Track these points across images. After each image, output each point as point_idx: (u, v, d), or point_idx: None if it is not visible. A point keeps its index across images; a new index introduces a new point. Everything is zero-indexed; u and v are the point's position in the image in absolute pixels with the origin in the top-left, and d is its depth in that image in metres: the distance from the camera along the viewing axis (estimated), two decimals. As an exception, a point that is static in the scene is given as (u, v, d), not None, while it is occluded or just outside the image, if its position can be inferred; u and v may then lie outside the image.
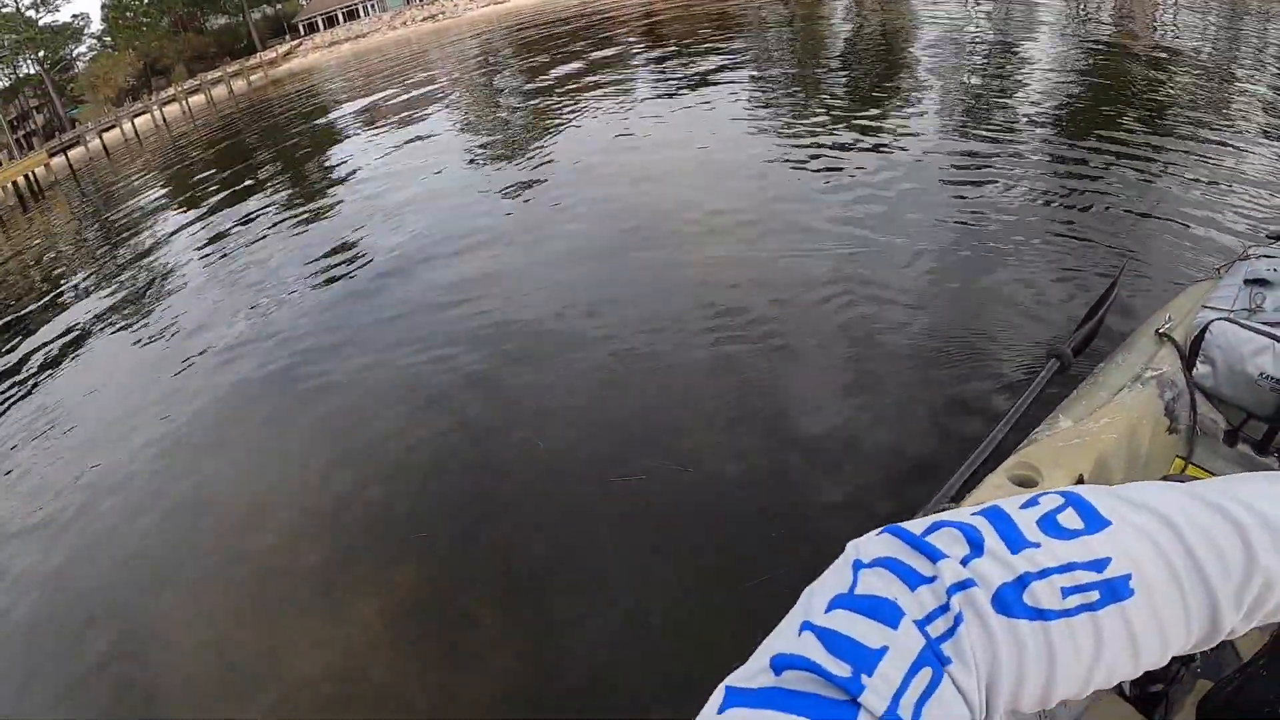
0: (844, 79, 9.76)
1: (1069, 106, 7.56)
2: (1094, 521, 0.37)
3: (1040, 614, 0.34)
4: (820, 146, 6.76)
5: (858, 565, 0.38)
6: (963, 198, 5.34)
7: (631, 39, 18.13)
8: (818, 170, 6.20)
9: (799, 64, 11.36)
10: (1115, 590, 0.35)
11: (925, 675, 0.33)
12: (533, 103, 12.79)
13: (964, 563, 0.36)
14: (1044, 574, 0.35)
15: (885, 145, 6.48)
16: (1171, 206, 5.21)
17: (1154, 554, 0.36)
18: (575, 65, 15.41)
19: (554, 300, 4.72)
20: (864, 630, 0.34)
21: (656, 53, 14.90)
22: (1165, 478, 1.19)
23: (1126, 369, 1.94)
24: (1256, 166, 6.08)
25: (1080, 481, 1.50)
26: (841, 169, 6.08)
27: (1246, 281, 2.06)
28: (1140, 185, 5.62)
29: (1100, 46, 10.74)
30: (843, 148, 6.62)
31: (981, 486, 1.49)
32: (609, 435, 3.36)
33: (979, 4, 14.72)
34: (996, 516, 0.38)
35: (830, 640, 0.34)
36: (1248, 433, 1.86)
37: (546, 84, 14.18)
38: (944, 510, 0.41)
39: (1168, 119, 7.17)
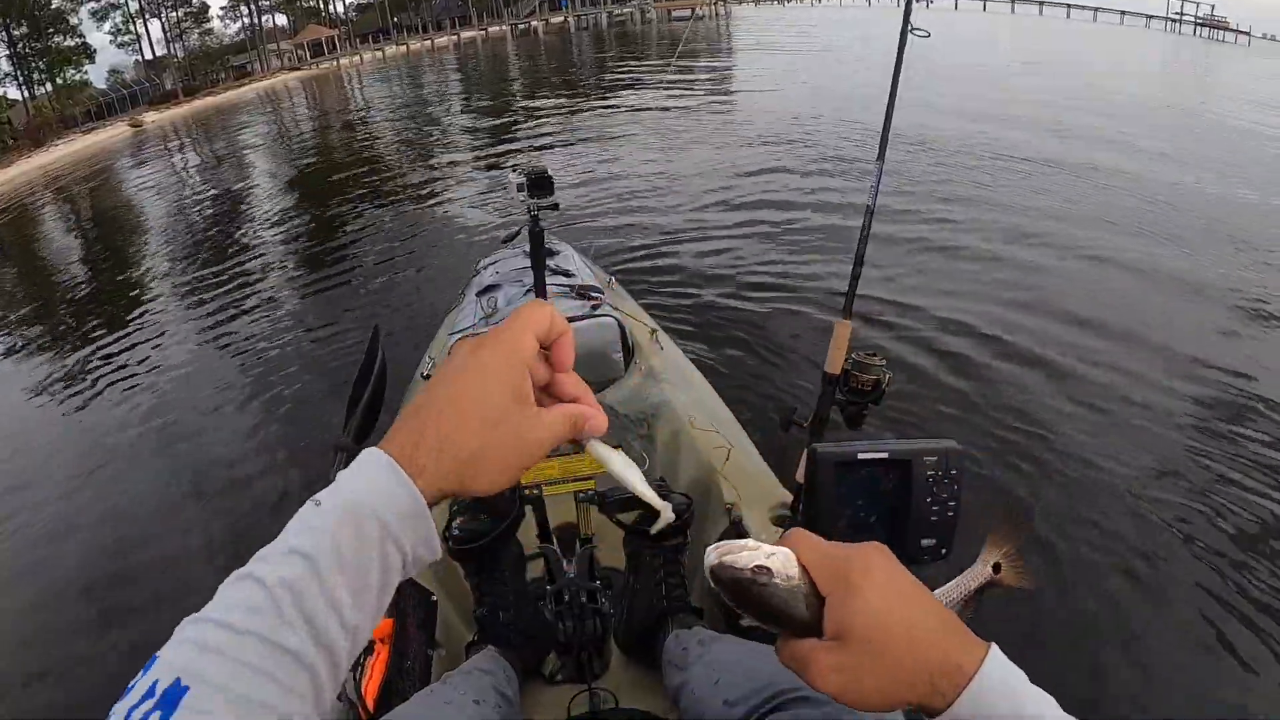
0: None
1: (289, 217, 8.09)
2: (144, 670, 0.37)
3: None
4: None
5: None
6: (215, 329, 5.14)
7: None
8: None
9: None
10: (169, 696, 0.35)
11: None
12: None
13: None
14: None
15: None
16: (404, 253, 6.01)
17: (193, 637, 0.38)
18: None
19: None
20: None
21: None
22: None
23: None
24: (474, 190, 7.77)
25: None
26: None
27: (478, 294, 2.29)
28: (362, 247, 6.35)
29: (309, 147, 12.60)
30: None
31: None
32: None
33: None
34: None
35: None
36: None
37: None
38: None
39: (377, 180, 8.66)
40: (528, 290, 2.21)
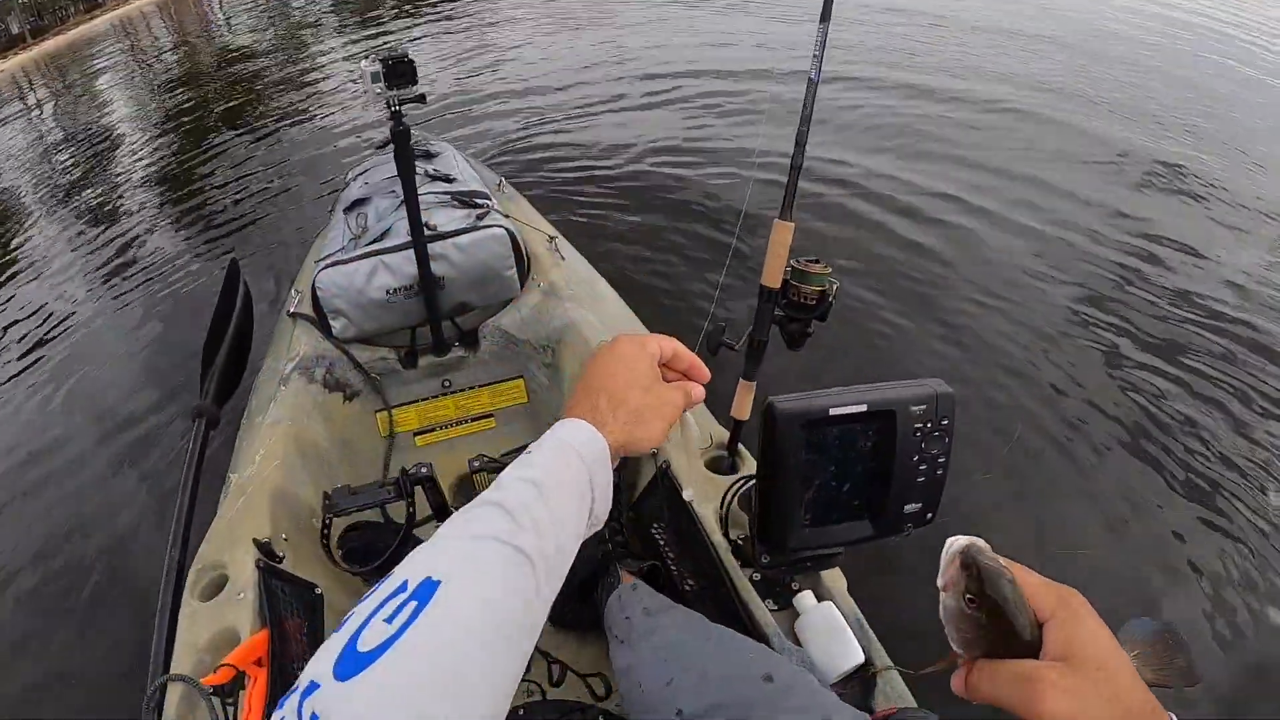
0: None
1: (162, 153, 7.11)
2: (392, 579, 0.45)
3: (382, 648, 0.39)
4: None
5: None
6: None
7: None
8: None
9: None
10: (423, 591, 0.42)
11: None
12: None
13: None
14: (366, 623, 0.41)
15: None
16: (277, 176, 5.11)
17: (434, 551, 0.47)
18: None
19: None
20: None
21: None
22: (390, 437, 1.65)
23: (272, 376, 1.74)
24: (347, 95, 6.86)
25: (266, 549, 1.24)
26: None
27: (345, 211, 1.97)
28: (231, 177, 5.40)
29: (175, 76, 11.53)
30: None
31: (179, 628, 1.12)
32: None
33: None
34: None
35: None
36: (421, 344, 1.81)
37: None
38: None
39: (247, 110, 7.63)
40: (401, 201, 1.86)
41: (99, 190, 6.17)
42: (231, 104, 8.05)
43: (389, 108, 1.51)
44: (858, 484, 0.75)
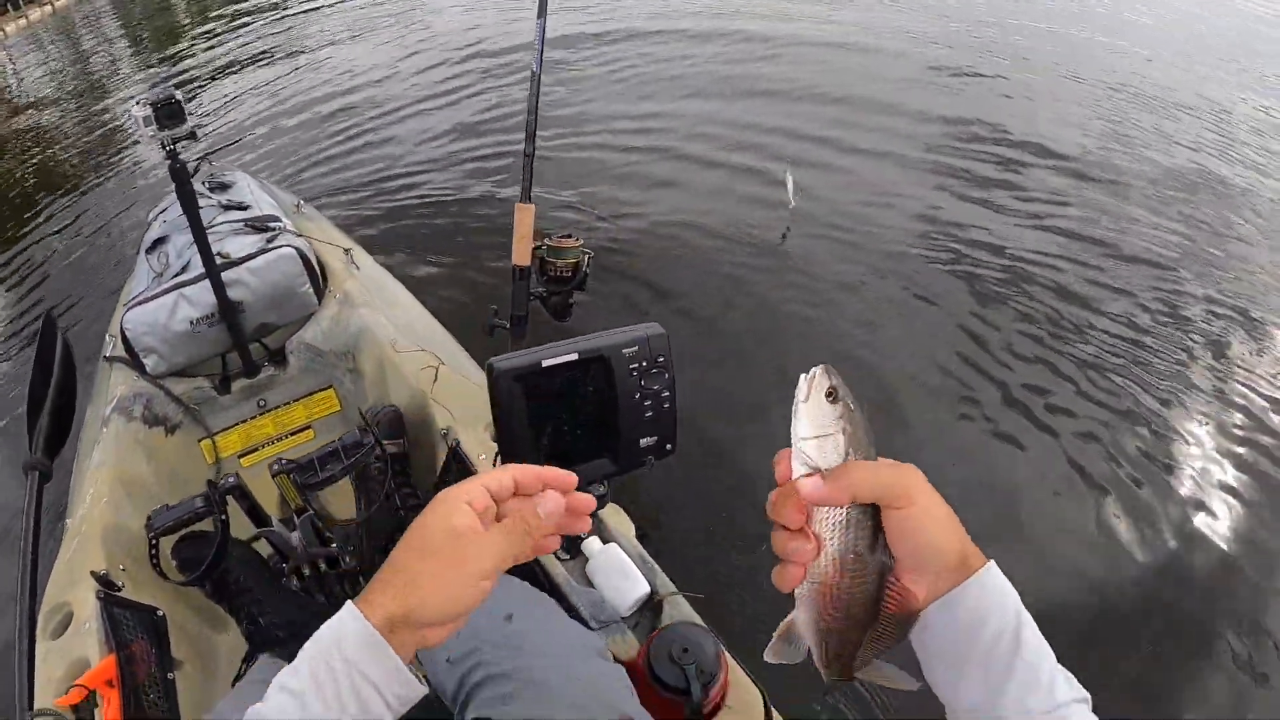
0: None
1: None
2: None
3: None
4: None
5: None
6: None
7: None
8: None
9: None
10: None
11: None
12: None
13: None
14: None
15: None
16: (83, 228, 4.97)
17: None
18: None
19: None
20: None
21: None
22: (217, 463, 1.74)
23: (95, 421, 1.80)
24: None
25: (105, 580, 1.30)
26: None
27: (147, 252, 2.03)
28: (34, 235, 5.12)
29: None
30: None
31: (37, 668, 1.16)
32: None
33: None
34: None
35: None
36: (233, 369, 1.89)
37: None
38: None
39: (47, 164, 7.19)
40: (194, 239, 1.89)
41: None
42: (30, 159, 7.23)
43: (163, 148, 1.55)
44: (590, 426, 0.82)
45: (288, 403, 1.95)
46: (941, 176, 3.86)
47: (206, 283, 1.69)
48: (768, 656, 0.54)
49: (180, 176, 1.59)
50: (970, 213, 3.57)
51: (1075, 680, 0.49)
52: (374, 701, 0.49)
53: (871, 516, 0.49)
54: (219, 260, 1.70)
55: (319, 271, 1.91)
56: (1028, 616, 0.49)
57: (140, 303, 1.72)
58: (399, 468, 1.42)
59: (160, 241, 1.98)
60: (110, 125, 7.44)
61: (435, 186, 4.22)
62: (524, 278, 1.24)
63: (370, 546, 1.39)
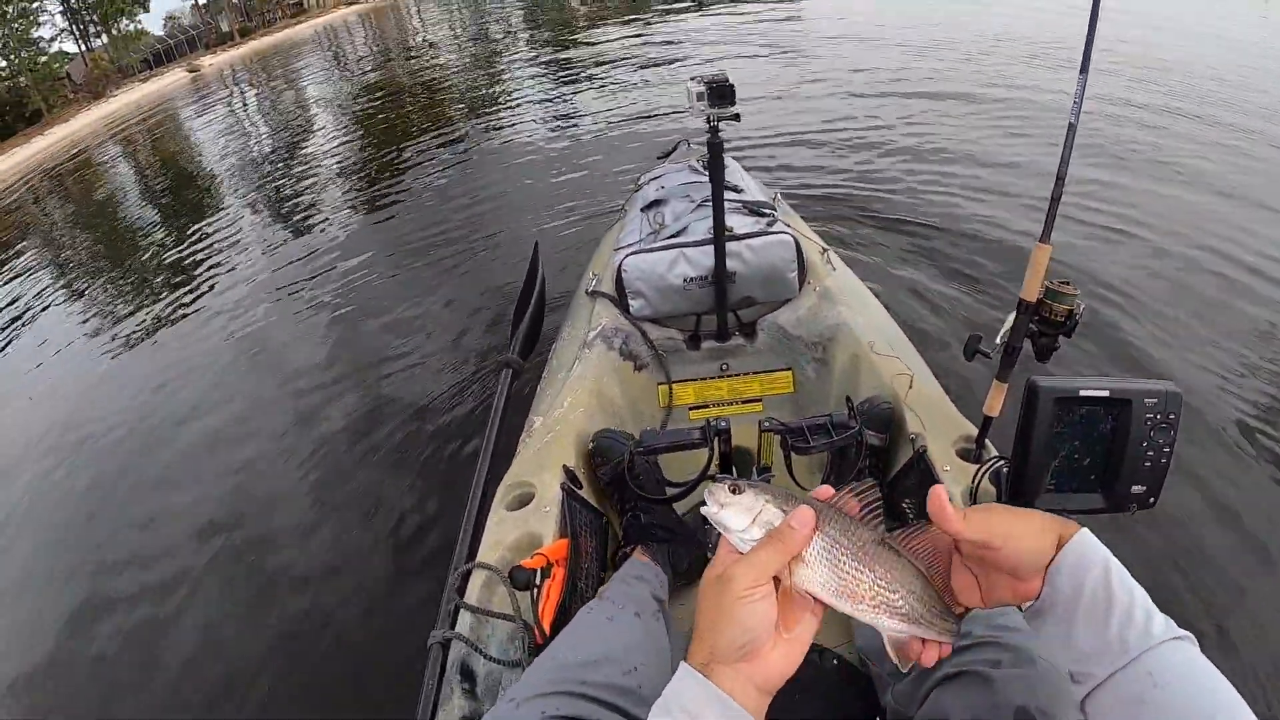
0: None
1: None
2: None
3: None
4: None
5: None
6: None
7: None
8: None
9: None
10: None
11: None
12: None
13: None
14: None
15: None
16: (544, 177, 5.63)
17: None
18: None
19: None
20: None
21: None
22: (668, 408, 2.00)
23: (573, 342, 2.01)
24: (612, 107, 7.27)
25: (572, 475, 1.50)
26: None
27: (643, 209, 2.27)
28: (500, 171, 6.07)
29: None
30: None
31: (486, 529, 1.39)
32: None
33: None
34: None
35: None
36: (705, 329, 2.03)
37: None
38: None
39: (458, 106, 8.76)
40: (698, 205, 2.10)
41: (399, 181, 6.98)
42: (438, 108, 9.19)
43: (709, 123, 1.75)
44: (1096, 460, 0.86)
45: (747, 373, 2.07)
46: None
47: (708, 248, 1.87)
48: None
49: (716, 151, 1.78)
50: None
51: (1174, 622, 0.58)
52: None
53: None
54: (726, 233, 1.86)
55: (804, 263, 1.99)
56: (1116, 564, 0.60)
57: (639, 252, 1.96)
58: (874, 461, 1.48)
59: (658, 203, 2.26)
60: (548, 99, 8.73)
61: (907, 206, 4.15)
62: (1027, 312, 1.18)
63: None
